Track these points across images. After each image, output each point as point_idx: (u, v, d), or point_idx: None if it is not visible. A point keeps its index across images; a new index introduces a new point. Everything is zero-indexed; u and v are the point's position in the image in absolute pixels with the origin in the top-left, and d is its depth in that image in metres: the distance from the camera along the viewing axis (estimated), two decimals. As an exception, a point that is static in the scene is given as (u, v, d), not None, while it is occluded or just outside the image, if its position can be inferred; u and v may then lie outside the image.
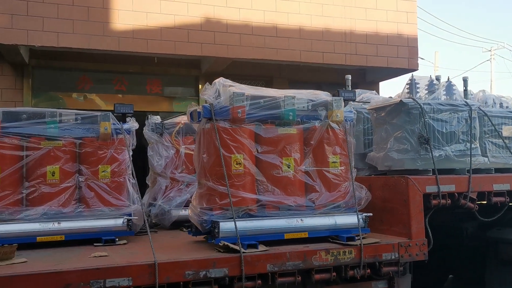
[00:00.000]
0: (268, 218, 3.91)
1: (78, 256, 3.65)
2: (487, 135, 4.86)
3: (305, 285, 3.89)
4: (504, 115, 5.04)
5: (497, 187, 4.55)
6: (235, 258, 3.52)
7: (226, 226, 3.72)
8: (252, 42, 9.13)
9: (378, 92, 11.26)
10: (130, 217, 4.36)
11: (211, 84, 4.04)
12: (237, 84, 4.07)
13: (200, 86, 10.00)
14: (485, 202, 4.64)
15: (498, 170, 4.91)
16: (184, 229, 4.94)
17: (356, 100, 4.75)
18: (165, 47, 8.61)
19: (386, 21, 10.19)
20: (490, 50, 32.10)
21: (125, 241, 4.24)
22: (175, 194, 5.32)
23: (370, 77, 11.25)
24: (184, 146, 5.43)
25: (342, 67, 9.96)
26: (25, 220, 4.04)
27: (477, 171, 4.64)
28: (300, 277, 3.73)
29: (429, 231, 4.22)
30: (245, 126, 3.92)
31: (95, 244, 4.14)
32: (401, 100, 4.37)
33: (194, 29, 8.76)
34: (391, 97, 4.94)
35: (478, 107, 4.69)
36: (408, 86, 4.60)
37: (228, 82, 4.07)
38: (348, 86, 5.16)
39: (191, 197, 5.17)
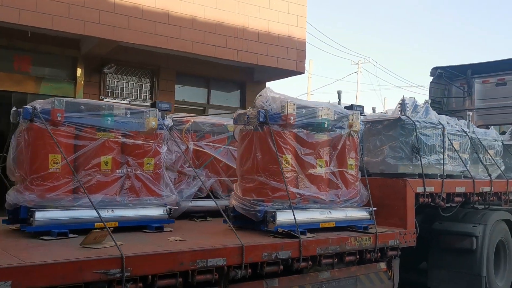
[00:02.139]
0: (308, 210, 4.62)
1: (154, 240, 3.99)
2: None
3: (333, 266, 4.67)
4: (454, 133, 6.33)
5: (458, 189, 5.81)
6: (295, 243, 4.17)
7: (282, 215, 4.35)
8: (142, 26, 8.72)
9: None
10: (172, 206, 4.73)
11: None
12: (282, 93, 4.70)
13: (78, 68, 9.45)
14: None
15: (449, 176, 6.18)
16: (196, 219, 5.45)
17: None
18: (41, 20, 7.78)
19: (277, 22, 10.43)
20: (357, 63, 34.33)
21: (171, 229, 4.61)
22: (184, 187, 5.70)
23: (258, 77, 11.61)
24: (192, 143, 5.83)
25: (231, 63, 10.15)
26: (82, 207, 4.21)
27: (434, 176, 5.83)
28: (336, 259, 4.51)
29: (416, 222, 5.29)
30: (294, 131, 4.59)
31: (144, 230, 4.46)
32: (399, 117, 5.38)
33: (76, 4, 8.10)
34: (385, 113, 5.93)
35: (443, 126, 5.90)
36: (400, 105, 5.64)
37: (276, 91, 4.68)
38: (339, 101, 6.04)
39: (198, 190, 5.69)
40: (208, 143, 5.92)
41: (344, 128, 4.96)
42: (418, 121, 5.44)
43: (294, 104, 4.56)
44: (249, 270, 3.88)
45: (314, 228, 4.59)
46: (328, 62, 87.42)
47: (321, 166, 4.76)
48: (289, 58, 10.56)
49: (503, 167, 7.10)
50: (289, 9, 10.64)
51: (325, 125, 4.79)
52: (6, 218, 4.39)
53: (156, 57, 9.96)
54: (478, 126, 7.94)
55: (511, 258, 6.89)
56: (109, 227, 3.65)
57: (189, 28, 9.25)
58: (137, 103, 9.82)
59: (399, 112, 5.58)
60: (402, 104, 5.61)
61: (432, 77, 9.64)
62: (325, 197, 4.75)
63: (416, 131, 5.36)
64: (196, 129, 5.95)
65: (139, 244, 3.77)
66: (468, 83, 9.32)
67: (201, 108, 11.26)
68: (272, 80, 12.18)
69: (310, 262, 4.30)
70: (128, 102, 9.83)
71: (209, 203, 5.85)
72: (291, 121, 4.51)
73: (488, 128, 7.43)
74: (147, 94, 10.49)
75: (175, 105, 10.44)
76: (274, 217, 4.33)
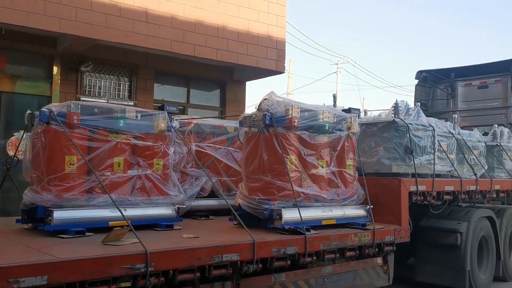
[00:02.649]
0: (311, 208, 4.86)
1: (168, 238, 4.18)
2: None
3: (334, 261, 4.93)
4: (442, 134, 6.66)
5: (447, 188, 6.14)
6: (301, 239, 4.42)
7: (288, 213, 4.59)
8: (120, 25, 8.58)
9: (244, 91, 11.95)
10: (180, 206, 4.93)
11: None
12: (286, 98, 4.94)
13: (55, 67, 9.22)
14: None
15: (438, 176, 6.51)
16: (199, 218, 5.65)
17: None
18: (16, 17, 7.65)
19: (257, 21, 10.33)
20: (337, 64, 34.35)
21: (180, 227, 4.80)
22: (187, 186, 5.89)
23: (237, 76, 11.47)
24: (195, 144, 6.02)
25: (211, 62, 10.00)
26: (97, 207, 4.38)
27: (425, 175, 6.14)
28: (338, 254, 4.77)
29: (410, 219, 5.59)
30: (297, 133, 4.83)
31: (155, 228, 4.64)
32: (394, 120, 5.67)
33: (52, 1, 7.92)
34: (379, 116, 6.22)
35: (433, 128, 6.23)
36: (394, 108, 5.93)
37: (279, 96, 4.92)
38: (335, 103, 6.30)
39: (200, 190, 5.89)
40: (209, 144, 6.12)
41: (343, 130, 5.22)
42: (411, 124, 5.75)
43: (298, 108, 4.80)
44: (260, 265, 4.10)
45: (316, 225, 4.84)
46: (308, 62, 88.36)
47: (322, 166, 5.02)
48: (269, 58, 10.51)
49: (486, 167, 7.47)
50: (269, 8, 10.57)
51: (326, 127, 5.05)
52: (20, 217, 4.54)
53: (135, 56, 9.80)
54: (461, 128, 8.32)
55: (493, 253, 7.25)
56: (124, 226, 3.83)
57: (169, 26, 9.12)
58: (115, 102, 9.69)
59: (393, 115, 5.87)
60: (396, 107, 5.90)
61: (417, 80, 10.03)
62: (326, 195, 5.01)
63: (409, 133, 5.66)
64: (198, 131, 6.15)
65: (155, 241, 3.95)
66: (451, 86, 9.73)
67: (181, 107, 10.96)
68: (252, 79, 12.11)
69: (314, 257, 4.55)
70: (106, 101, 9.68)
71: (211, 202, 6.08)
72: (295, 124, 4.76)
73: (472, 130, 7.80)
74: (126, 93, 10.30)
75: (154, 104, 10.23)
76: (280, 215, 4.57)
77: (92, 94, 9.87)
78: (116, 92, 10.21)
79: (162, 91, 11.04)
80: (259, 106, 4.92)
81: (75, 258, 3.16)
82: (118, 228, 3.87)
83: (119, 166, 4.59)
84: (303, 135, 4.89)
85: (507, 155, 7.95)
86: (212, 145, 6.18)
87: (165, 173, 4.94)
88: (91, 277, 3.15)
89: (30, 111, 4.51)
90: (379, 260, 5.39)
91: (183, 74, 10.88)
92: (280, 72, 10.98)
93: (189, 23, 9.37)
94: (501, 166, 7.80)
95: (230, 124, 6.42)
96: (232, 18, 9.99)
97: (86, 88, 9.83)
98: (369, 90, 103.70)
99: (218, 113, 11.52)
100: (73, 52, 9.11)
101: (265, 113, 4.73)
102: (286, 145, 4.73)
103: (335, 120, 5.19)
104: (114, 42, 8.73)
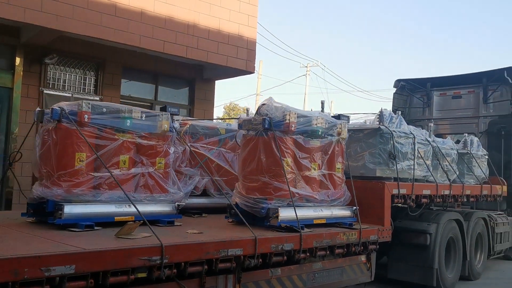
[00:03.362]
0: (304, 208, 5.19)
1: (174, 233, 4.42)
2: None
3: (324, 258, 5.27)
4: (420, 141, 7.12)
5: (425, 191, 6.58)
6: (297, 236, 4.73)
7: (284, 212, 4.89)
8: (87, 17, 8.39)
9: (213, 90, 11.84)
10: (180, 203, 5.17)
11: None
12: (284, 103, 5.25)
13: (17, 58, 8.92)
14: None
15: (415, 180, 6.95)
16: (193, 215, 5.89)
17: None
18: None
19: (228, 20, 10.27)
20: (306, 66, 34.74)
21: (180, 223, 5.04)
22: (181, 185, 6.11)
23: (207, 74, 11.40)
24: (190, 144, 6.25)
25: (181, 60, 9.92)
26: (103, 202, 4.57)
27: (406, 180, 6.58)
28: (328, 251, 5.11)
29: (391, 220, 5.99)
30: (293, 137, 5.15)
31: (157, 224, 4.86)
32: (379, 127, 6.07)
33: None
34: (365, 123, 6.61)
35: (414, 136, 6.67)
36: (378, 116, 6.33)
37: (277, 101, 5.23)
38: (323, 109, 6.65)
39: (194, 188, 6.14)
40: (203, 145, 6.37)
41: (333, 136, 5.57)
42: (394, 131, 6.16)
43: (295, 113, 5.12)
44: (260, 260, 4.40)
45: (308, 224, 5.16)
46: (278, 63, 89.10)
47: (314, 169, 5.35)
48: (239, 57, 10.43)
49: (457, 173, 7.99)
50: (240, 8, 10.48)
51: (319, 133, 5.39)
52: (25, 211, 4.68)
53: (102, 50, 9.51)
54: (435, 135, 8.83)
55: (460, 253, 7.76)
56: (128, 222, 4.06)
57: (137, 21, 8.92)
58: (80, 96, 9.58)
59: (378, 122, 6.27)
60: (381, 115, 6.31)
61: (395, 88, 10.54)
62: (317, 196, 5.34)
63: (393, 139, 6.07)
64: (193, 132, 6.39)
65: (162, 236, 4.17)
66: (427, 95, 10.27)
67: (148, 104, 10.82)
68: (222, 78, 12.06)
69: (307, 254, 4.87)
70: (70, 95, 9.53)
71: (203, 201, 6.33)
72: (292, 128, 5.07)
73: (446, 137, 8.32)
74: (91, 88, 10.03)
75: (121, 100, 10.11)
76: (277, 213, 4.87)
77: (56, 87, 9.57)
78: (82, 86, 9.92)
79: (129, 87, 10.78)
80: (257, 110, 5.21)
81: (100, 249, 3.38)
82: (131, 222, 4.10)
83: (124, 164, 4.80)
84: (298, 139, 5.21)
85: (476, 162, 8.50)
86: (205, 145, 6.43)
87: (166, 172, 5.17)
88: (113, 267, 3.38)
89: (39, 109, 4.66)
90: (363, 257, 5.77)
91: (151, 70, 10.69)
92: (250, 72, 10.91)
93: (159, 18, 9.22)
94: (471, 173, 8.34)
95: (223, 126, 6.69)
96: (203, 16, 9.89)
97: (50, 81, 9.51)
98: (338, 94, 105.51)
99: (186, 112, 11.45)
100: (37, 43, 8.79)
101: (264, 117, 5.02)
102: (283, 148, 5.03)
103: (327, 126, 5.53)
104: (80, 35, 8.49)
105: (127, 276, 3.47)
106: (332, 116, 5.82)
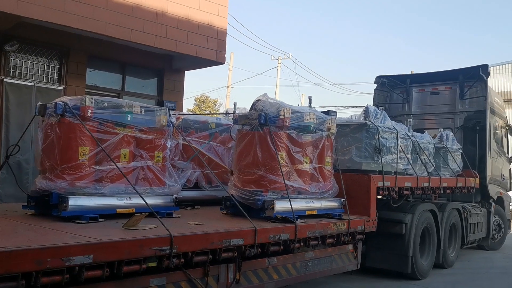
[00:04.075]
0: (297, 200, 5.42)
1: (176, 224, 4.57)
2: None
3: (315, 248, 5.53)
4: (401, 136, 7.44)
5: (407, 184, 6.92)
6: (292, 227, 4.97)
7: (279, 204, 5.11)
8: (49, 2, 7.98)
9: (183, 81, 11.48)
10: (177, 195, 5.32)
11: None
12: (279, 100, 5.45)
13: None
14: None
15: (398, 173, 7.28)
16: (186, 208, 6.06)
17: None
18: None
19: (198, 10, 9.97)
20: (277, 59, 34.46)
21: (178, 215, 5.20)
22: (176, 178, 6.26)
23: (176, 64, 11.09)
24: (182, 138, 6.39)
25: (149, 49, 9.62)
26: (106, 195, 4.69)
27: (389, 173, 6.89)
28: (320, 241, 5.37)
29: (376, 211, 6.30)
30: (287, 132, 5.36)
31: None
32: (365, 122, 6.34)
33: None
34: (351, 118, 6.86)
35: (397, 131, 6.98)
36: (364, 112, 6.61)
37: (271, 98, 5.43)
38: (310, 105, 6.89)
39: (187, 181, 6.30)
40: (195, 139, 6.52)
41: (324, 131, 5.81)
42: (380, 126, 6.45)
43: (289, 109, 5.33)
44: (259, 249, 4.61)
45: (301, 215, 5.40)
46: (249, 55, 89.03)
47: (306, 163, 5.59)
48: (209, 47, 10.15)
49: (434, 166, 8.38)
50: None
51: (311, 128, 5.62)
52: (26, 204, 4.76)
53: (66, 37, 9.05)
54: (414, 130, 9.20)
55: (434, 242, 8.14)
56: (135, 214, 4.21)
57: (103, 8, 8.55)
58: (43, 85, 9.23)
59: (363, 118, 6.55)
60: (366, 111, 6.59)
61: (376, 84, 10.88)
62: (309, 189, 5.59)
63: (378, 134, 6.36)
64: (185, 126, 6.53)
65: (168, 228, 4.34)
66: (407, 91, 10.65)
67: (115, 95, 10.35)
68: (192, 69, 11.79)
69: (301, 243, 5.12)
70: (32, 84, 9.12)
71: (195, 193, 6.49)
72: (287, 124, 5.29)
73: (423, 132, 8.69)
74: (55, 77, 9.57)
75: (86, 90, 9.74)
76: (272, 205, 5.08)
77: (17, 76, 9.10)
78: (45, 75, 9.47)
79: (95, 77, 10.37)
80: (252, 106, 5.40)
81: (115, 240, 3.52)
82: (138, 214, 4.24)
83: (125, 158, 4.92)
84: (291, 134, 5.43)
85: (452, 156, 8.91)
86: (197, 139, 6.58)
87: (164, 165, 5.31)
88: (128, 256, 3.53)
89: (41, 103, 4.73)
90: (350, 247, 6.06)
91: (118, 59, 10.28)
92: (221, 62, 10.71)
93: (126, 6, 8.87)
94: (447, 166, 8.74)
95: (214, 120, 6.85)
96: (172, 4, 9.54)
97: (10, 69, 9.03)
98: (308, 87, 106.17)
99: (155, 102, 10.75)
100: (-5, 29, 8.31)
101: (260, 113, 5.22)
102: (278, 143, 5.24)
103: (317, 121, 5.76)
104: (42, 21, 8.06)
105: (139, 265, 3.63)
106: (322, 112, 6.05)
